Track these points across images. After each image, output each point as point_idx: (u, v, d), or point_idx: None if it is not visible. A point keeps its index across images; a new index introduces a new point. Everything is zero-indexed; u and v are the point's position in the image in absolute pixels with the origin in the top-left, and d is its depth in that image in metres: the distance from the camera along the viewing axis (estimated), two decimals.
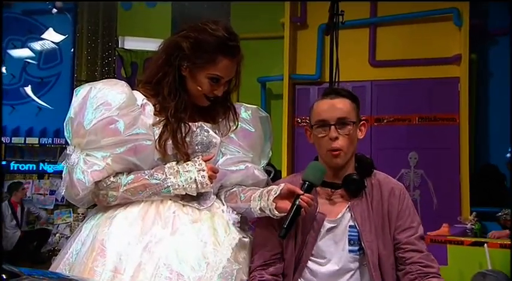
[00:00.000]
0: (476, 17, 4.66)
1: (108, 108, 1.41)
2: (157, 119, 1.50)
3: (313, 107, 1.57)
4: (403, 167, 4.77)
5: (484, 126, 4.94)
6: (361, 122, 1.57)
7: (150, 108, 1.51)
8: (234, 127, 1.60)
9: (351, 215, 1.52)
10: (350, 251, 1.51)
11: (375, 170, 1.61)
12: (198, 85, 1.51)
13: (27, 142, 6.37)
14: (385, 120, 4.90)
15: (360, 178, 1.54)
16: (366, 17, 4.98)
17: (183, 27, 1.55)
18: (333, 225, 1.53)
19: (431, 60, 4.74)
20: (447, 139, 4.64)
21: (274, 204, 1.44)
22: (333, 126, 1.49)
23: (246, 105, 1.69)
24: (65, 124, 1.46)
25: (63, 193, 1.46)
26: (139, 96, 1.52)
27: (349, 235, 1.52)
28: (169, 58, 1.51)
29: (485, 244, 3.06)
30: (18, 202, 5.99)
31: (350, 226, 1.52)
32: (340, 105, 1.51)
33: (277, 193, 1.45)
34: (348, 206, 1.53)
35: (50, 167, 6.29)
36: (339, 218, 1.52)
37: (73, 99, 1.45)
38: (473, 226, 3.52)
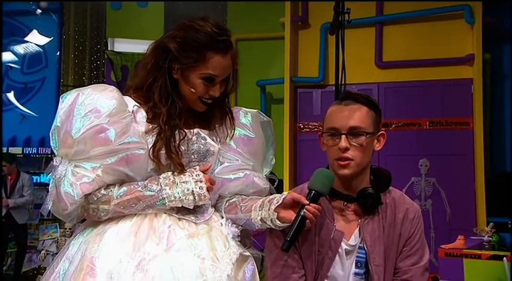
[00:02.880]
0: (489, 15, 4.66)
1: (97, 115, 1.39)
2: (150, 126, 1.48)
3: (327, 113, 1.54)
4: (414, 175, 4.75)
5: (499, 130, 4.93)
6: (380, 133, 1.54)
7: (142, 114, 1.50)
8: (232, 133, 1.58)
9: (361, 236, 1.50)
10: (356, 274, 1.49)
11: (390, 187, 1.58)
12: (191, 87, 1.50)
13: (10, 152, 6.34)
14: (393, 125, 4.88)
15: (376, 192, 1.50)
16: (371, 15, 4.98)
17: (171, 28, 1.55)
18: (350, 249, 1.50)
19: (442, 61, 4.74)
20: (460, 145, 4.62)
21: (276, 214, 1.43)
22: (343, 136, 1.45)
23: (246, 109, 1.68)
24: (50, 133, 1.44)
25: (49, 208, 1.44)
26: (130, 102, 1.51)
27: (356, 257, 1.50)
28: (158, 61, 1.50)
29: (505, 258, 3.03)
30: (8, 173, 5.92)
31: (359, 247, 1.50)
32: (355, 113, 1.47)
33: (280, 202, 1.44)
34: (359, 225, 1.50)
35: (34, 178, 6.26)
36: (356, 244, 1.50)
37: (59, 106, 1.44)
38: (490, 238, 3.50)
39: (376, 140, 1.53)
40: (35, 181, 6.28)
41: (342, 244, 1.49)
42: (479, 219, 4.33)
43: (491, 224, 3.74)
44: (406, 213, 1.53)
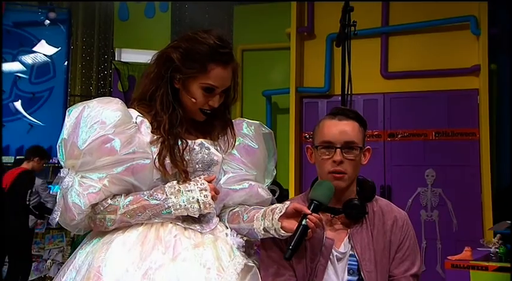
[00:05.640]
0: (495, 25, 4.67)
1: (102, 126, 1.42)
2: (155, 137, 1.51)
3: (318, 126, 1.59)
4: (420, 186, 4.74)
5: (506, 141, 4.91)
6: (366, 148, 1.60)
7: (146, 125, 1.53)
8: (233, 143, 1.61)
9: (351, 244, 1.53)
10: None
11: (376, 196, 1.63)
12: (191, 97, 1.53)
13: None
14: (399, 136, 4.88)
15: (361, 203, 1.55)
16: (377, 26, 5.01)
17: (174, 39, 1.60)
18: (341, 256, 1.53)
19: (448, 72, 4.74)
20: (467, 155, 4.61)
21: (280, 223, 1.44)
22: (338, 150, 1.50)
23: (248, 120, 1.72)
24: (57, 146, 1.47)
25: (57, 219, 1.46)
26: (134, 114, 1.54)
27: (348, 264, 1.53)
28: (161, 71, 1.54)
29: None
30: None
31: (350, 255, 1.53)
32: (348, 128, 1.53)
33: (283, 211, 1.45)
34: (348, 234, 1.54)
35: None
36: (346, 251, 1.53)
37: (65, 119, 1.47)
38: (497, 250, 3.46)
39: (362, 155, 1.58)
40: None
41: (333, 251, 1.53)
42: (486, 230, 4.30)
43: (498, 235, 3.71)
44: (395, 220, 1.58)
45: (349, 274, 1.52)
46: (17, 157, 6.35)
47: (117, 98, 1.54)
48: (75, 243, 5.15)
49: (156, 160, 1.47)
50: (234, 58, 1.57)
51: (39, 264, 6.04)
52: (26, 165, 5.39)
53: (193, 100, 1.53)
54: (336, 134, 1.52)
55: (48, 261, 5.97)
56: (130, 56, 6.79)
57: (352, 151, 1.52)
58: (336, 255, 1.53)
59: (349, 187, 1.55)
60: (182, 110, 1.55)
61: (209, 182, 1.49)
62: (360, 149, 1.53)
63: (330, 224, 1.56)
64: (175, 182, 1.48)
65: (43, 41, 6.83)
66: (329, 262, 1.52)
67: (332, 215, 1.56)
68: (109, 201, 1.44)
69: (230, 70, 1.55)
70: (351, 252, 1.53)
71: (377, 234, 1.54)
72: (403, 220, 1.59)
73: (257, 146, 1.66)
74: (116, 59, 6.90)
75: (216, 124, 1.62)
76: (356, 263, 1.51)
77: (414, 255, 1.57)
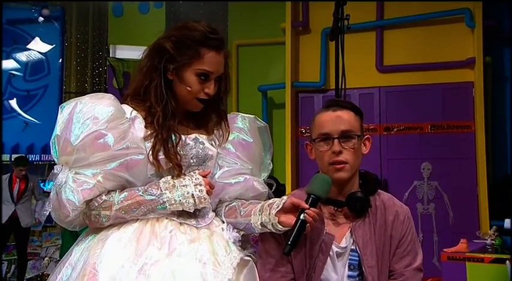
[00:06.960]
0: (490, 18, 4.68)
1: (95, 122, 1.42)
2: (149, 132, 1.51)
3: (314, 120, 1.57)
4: (416, 179, 4.76)
5: (501, 133, 4.93)
6: (366, 137, 1.58)
7: (140, 121, 1.52)
8: (228, 136, 1.61)
9: (352, 238, 1.52)
10: (349, 276, 1.51)
11: (379, 190, 1.61)
12: (187, 85, 1.53)
13: (13, 159, 6.36)
14: (395, 129, 4.90)
15: (365, 195, 1.53)
16: (372, 19, 5.01)
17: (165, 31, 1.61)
18: (341, 251, 1.52)
19: (443, 65, 4.75)
20: (462, 148, 4.63)
21: (277, 218, 1.44)
22: (336, 140, 1.49)
23: (243, 114, 1.71)
24: (51, 142, 1.47)
25: (47, 214, 1.46)
26: (128, 110, 1.53)
27: (349, 259, 1.51)
28: (154, 62, 1.54)
29: (507, 261, 3.03)
30: (20, 177, 5.86)
31: (351, 250, 1.52)
32: (344, 118, 1.51)
33: (280, 206, 1.45)
34: (350, 228, 1.52)
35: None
36: (347, 246, 1.52)
37: (58, 116, 1.47)
38: (493, 241, 3.49)
39: (362, 144, 1.56)
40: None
41: (333, 246, 1.51)
42: (482, 222, 4.33)
43: (494, 227, 3.73)
44: (396, 215, 1.56)
45: (349, 269, 1.50)
46: (13, 155, 6.35)
47: (109, 94, 1.54)
48: (63, 236, 5.15)
49: (150, 154, 1.47)
50: (226, 45, 1.58)
51: (36, 262, 6.05)
52: None
53: (189, 88, 1.52)
54: (331, 125, 1.50)
55: (46, 259, 5.98)
56: (125, 52, 6.77)
57: (351, 140, 1.50)
58: (336, 251, 1.51)
59: (351, 179, 1.53)
60: (175, 102, 1.55)
61: (204, 176, 1.49)
62: (358, 137, 1.51)
63: (333, 217, 1.55)
64: (169, 177, 1.48)
65: (37, 38, 6.80)
66: (328, 258, 1.51)
67: (335, 208, 1.54)
68: (103, 197, 1.44)
69: (223, 56, 1.55)
70: (352, 247, 1.51)
71: (379, 229, 1.53)
72: (404, 215, 1.56)
73: (252, 140, 1.65)
74: (110, 55, 6.88)
75: (211, 117, 1.61)
76: (357, 258, 1.50)
77: (415, 250, 1.55)
